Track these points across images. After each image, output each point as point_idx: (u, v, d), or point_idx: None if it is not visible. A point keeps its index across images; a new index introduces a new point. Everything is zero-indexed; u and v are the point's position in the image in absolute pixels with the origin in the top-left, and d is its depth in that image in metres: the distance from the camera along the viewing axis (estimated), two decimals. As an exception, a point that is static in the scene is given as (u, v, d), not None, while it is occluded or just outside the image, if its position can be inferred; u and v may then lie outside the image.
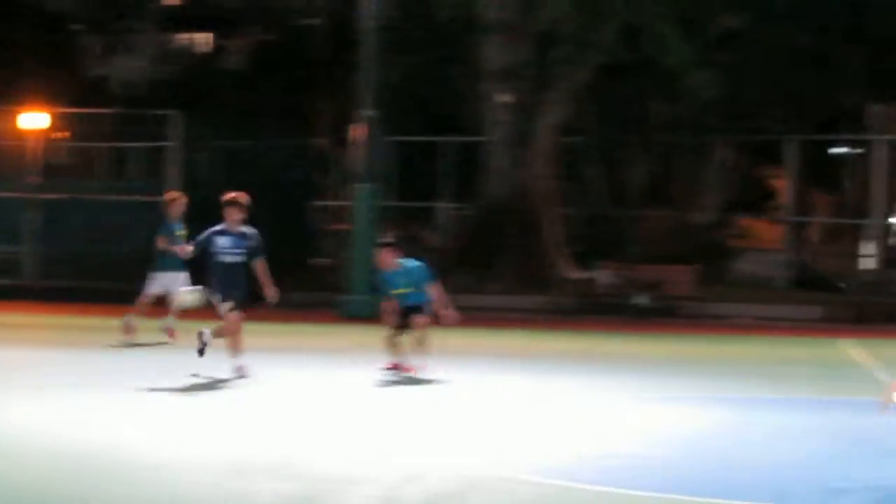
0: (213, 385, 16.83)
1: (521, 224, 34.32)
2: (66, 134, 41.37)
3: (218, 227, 16.63)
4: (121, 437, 12.83)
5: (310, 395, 16.12)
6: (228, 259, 16.43)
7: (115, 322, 25.05)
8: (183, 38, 58.89)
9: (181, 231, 20.27)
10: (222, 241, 16.53)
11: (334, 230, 38.44)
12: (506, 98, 34.62)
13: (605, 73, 35.74)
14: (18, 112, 34.78)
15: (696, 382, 18.70)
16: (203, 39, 58.46)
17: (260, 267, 16.89)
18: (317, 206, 41.52)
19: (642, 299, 30.73)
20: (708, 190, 42.17)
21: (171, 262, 20.44)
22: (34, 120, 34.23)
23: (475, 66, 36.31)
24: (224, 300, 16.45)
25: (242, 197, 17.12)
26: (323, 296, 30.73)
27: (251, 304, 17.63)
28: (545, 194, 34.85)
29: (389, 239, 17.79)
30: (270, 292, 16.66)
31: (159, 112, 34.68)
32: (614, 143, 40.76)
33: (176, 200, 21.22)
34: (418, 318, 16.62)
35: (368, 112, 29.58)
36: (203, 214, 31.62)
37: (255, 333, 24.15)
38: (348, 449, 12.20)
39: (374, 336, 22.85)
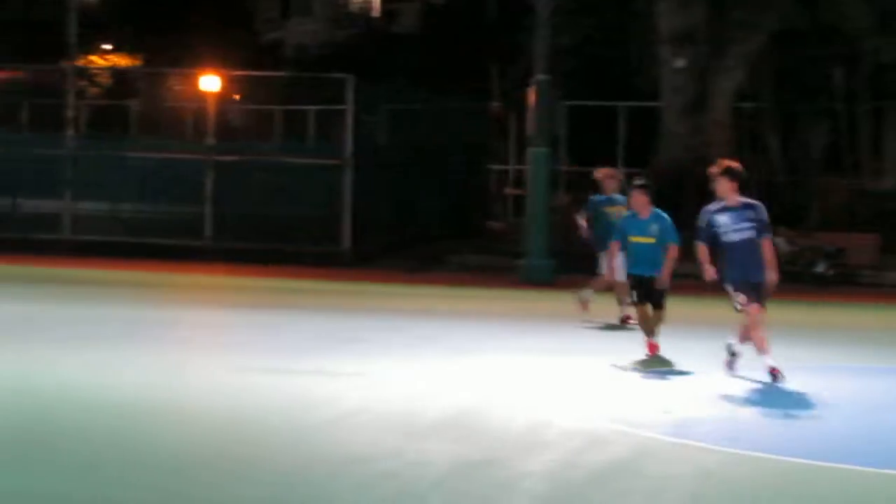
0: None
1: (696, 190, 34.04)
2: (244, 96, 42.16)
3: (715, 205, 14.81)
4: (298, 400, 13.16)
5: (491, 359, 16.06)
6: (735, 238, 14.52)
7: (291, 284, 26.61)
8: (356, 2, 59.43)
9: (613, 206, 19.08)
10: (723, 219, 14.56)
11: (510, 194, 38.62)
12: (681, 63, 34.39)
13: (781, 38, 35.34)
14: (197, 75, 35.23)
15: (875, 352, 18.38)
16: (376, 3, 58.93)
17: (766, 246, 14.95)
18: (492, 169, 41.74)
19: (821, 267, 30.15)
20: (889, 156, 41.32)
21: (603, 240, 18.97)
22: (211, 83, 34.32)
23: (650, 30, 36.19)
24: (737, 289, 14.46)
25: (736, 166, 15.39)
26: (500, 260, 30.72)
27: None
28: (720, 160, 34.51)
29: (643, 181, 16.68)
30: (772, 277, 14.54)
31: (333, 75, 34.53)
32: (791, 110, 40.21)
33: (611, 177, 19.93)
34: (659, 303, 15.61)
35: (542, 76, 29.06)
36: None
37: (438, 297, 25.02)
38: (532, 413, 12.31)
39: (552, 300, 23.05)
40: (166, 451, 10.92)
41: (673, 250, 15.78)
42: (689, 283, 18.05)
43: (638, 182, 16.56)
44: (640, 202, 15.85)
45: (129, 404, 12.97)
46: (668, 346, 16.27)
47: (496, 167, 42.30)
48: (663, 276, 15.54)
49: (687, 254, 15.66)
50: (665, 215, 16.03)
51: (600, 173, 20.10)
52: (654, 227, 15.68)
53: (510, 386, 14.16)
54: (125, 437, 11.47)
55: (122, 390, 13.79)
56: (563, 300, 22.29)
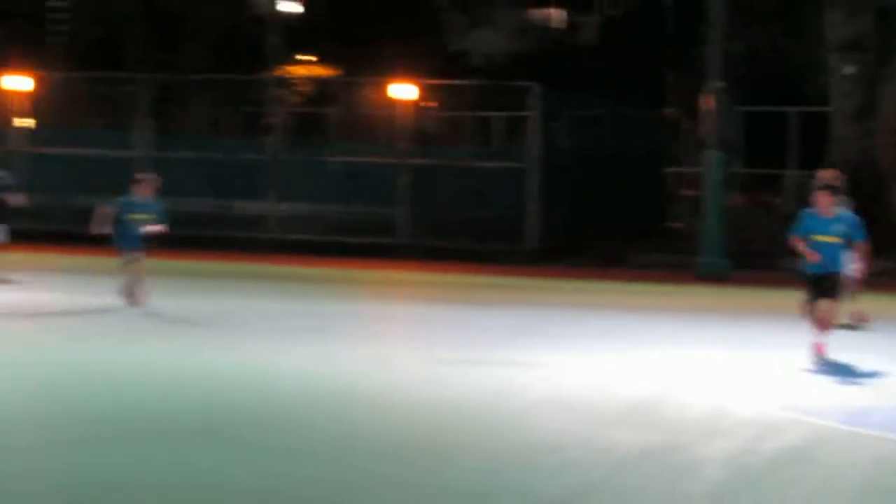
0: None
1: (867, 192, 33.95)
2: (434, 104, 42.38)
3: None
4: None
5: (669, 351, 16.24)
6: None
7: (480, 280, 27.02)
8: (539, 14, 59.73)
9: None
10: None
11: (686, 195, 38.73)
12: (849, 70, 34.59)
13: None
14: (390, 83, 35.59)
15: None
16: (557, 15, 59.27)
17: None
18: (670, 172, 41.91)
19: None
20: None
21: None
22: (404, 91, 34.96)
23: (819, 38, 36.29)
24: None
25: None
26: (678, 258, 30.73)
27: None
28: (891, 163, 34.37)
29: (828, 182, 16.59)
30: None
31: (519, 84, 34.86)
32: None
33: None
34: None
35: (716, 83, 29.38)
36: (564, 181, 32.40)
37: (618, 293, 25.22)
38: (710, 402, 12.51)
39: (728, 296, 23.19)
40: (382, 437, 11.38)
41: (862, 247, 15.94)
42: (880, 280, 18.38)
43: (823, 183, 16.55)
44: (825, 202, 15.58)
45: (345, 394, 13.51)
46: (852, 338, 16.61)
47: (673, 170, 42.41)
48: (856, 272, 15.82)
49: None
50: (851, 214, 15.99)
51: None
52: (839, 227, 15.44)
53: (688, 376, 14.35)
54: (344, 424, 11.99)
55: (337, 380, 14.36)
56: (738, 295, 22.57)
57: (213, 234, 31.66)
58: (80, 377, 14.75)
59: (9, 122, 36.19)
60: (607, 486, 9.21)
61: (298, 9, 55.27)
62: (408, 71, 36.15)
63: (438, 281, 28.08)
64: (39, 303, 21.65)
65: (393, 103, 35.25)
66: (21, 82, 35.97)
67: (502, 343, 17.35)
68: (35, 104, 36.91)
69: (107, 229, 20.23)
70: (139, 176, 21.08)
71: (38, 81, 36.70)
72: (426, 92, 38.29)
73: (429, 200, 32.76)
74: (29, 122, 36.74)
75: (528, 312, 21.56)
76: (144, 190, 20.37)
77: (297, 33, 54.82)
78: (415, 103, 35.74)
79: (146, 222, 19.89)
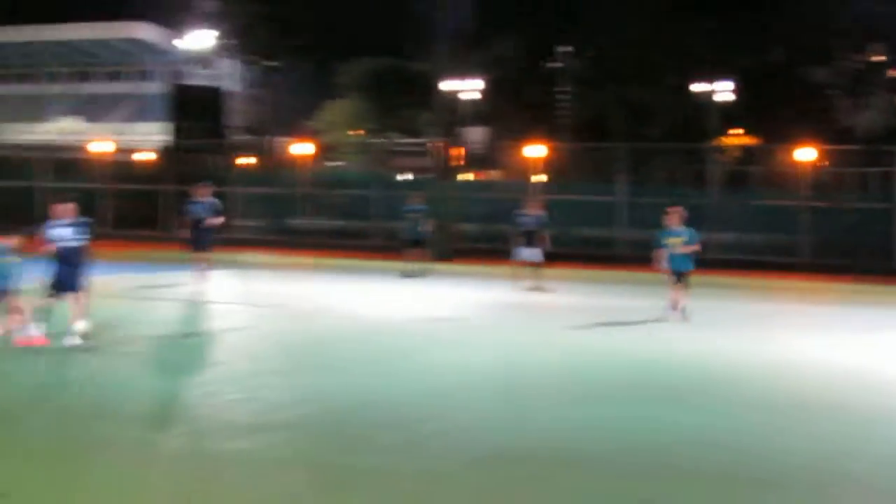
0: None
1: None
2: (826, 163, 43.79)
3: None
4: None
5: None
6: None
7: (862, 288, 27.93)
8: None
9: None
10: None
11: None
12: None
13: None
14: (795, 148, 37.51)
15: None
16: None
17: None
18: None
19: None
20: None
21: None
22: (805, 153, 36.39)
23: None
24: None
25: None
26: None
27: None
28: None
29: None
30: None
31: (889, 148, 37.64)
32: None
33: None
34: None
35: None
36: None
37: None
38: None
39: None
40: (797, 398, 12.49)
41: None
42: None
43: None
44: None
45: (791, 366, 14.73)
46: None
47: None
48: None
49: None
50: None
51: None
52: None
53: None
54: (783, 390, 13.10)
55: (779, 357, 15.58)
56: None
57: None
58: (601, 357, 15.73)
59: (528, 177, 39.35)
60: None
61: (731, 97, 59.81)
62: (808, 139, 38.21)
63: (834, 288, 28.61)
64: (568, 303, 23.11)
65: (796, 163, 37.00)
66: (537, 150, 39.87)
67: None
68: (547, 165, 40.73)
69: (664, 264, 19.87)
70: (669, 209, 20.42)
71: (550, 149, 40.55)
72: (821, 154, 40.20)
73: (821, 230, 34.10)
74: (542, 177, 40.18)
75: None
76: (674, 220, 20.05)
77: (728, 114, 59.75)
78: (812, 163, 37.28)
79: (678, 245, 19.63)
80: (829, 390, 13.27)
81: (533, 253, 24.92)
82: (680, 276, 19.71)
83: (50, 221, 15.98)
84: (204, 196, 25.32)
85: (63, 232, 15.82)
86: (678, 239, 19.51)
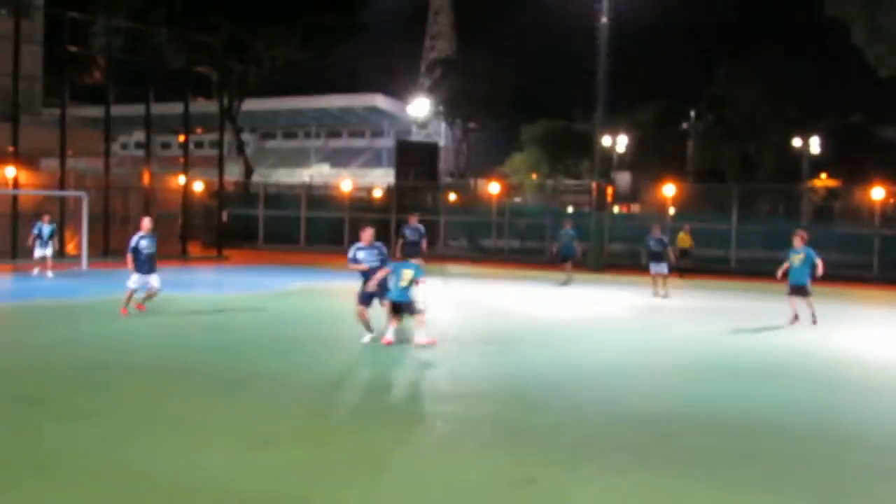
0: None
1: None
2: (892, 200, 40.31)
3: None
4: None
5: None
6: None
7: None
8: None
9: None
10: None
11: None
12: None
13: None
14: (868, 188, 36.00)
15: None
16: None
17: None
18: None
19: None
20: None
21: None
22: (876, 192, 35.00)
23: None
24: None
25: None
26: None
27: None
28: None
29: None
30: None
31: None
32: None
33: None
34: None
35: None
36: None
37: None
38: None
39: None
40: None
41: None
42: None
43: None
44: None
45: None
46: None
47: None
48: None
49: None
50: None
51: None
52: None
53: None
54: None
55: None
56: None
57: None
58: (724, 346, 14.90)
59: (663, 210, 38.61)
60: None
61: (819, 149, 58.66)
62: (879, 181, 36.75)
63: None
64: (692, 305, 22.29)
65: (869, 200, 35.97)
66: (669, 189, 38.61)
67: None
68: (675, 201, 39.17)
69: (781, 276, 18.27)
70: (798, 231, 18.52)
71: (678, 189, 39.34)
72: (888, 193, 37.30)
73: (889, 251, 32.30)
74: (672, 210, 38.95)
75: None
76: (798, 241, 18.06)
77: (817, 162, 58.79)
78: (882, 200, 35.31)
79: (797, 261, 17.89)
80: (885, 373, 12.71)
81: (660, 267, 23.92)
82: (798, 288, 18.17)
83: (356, 244, 14.52)
84: (413, 222, 24.70)
85: (365, 255, 14.29)
86: (798, 256, 18.02)
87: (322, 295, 22.07)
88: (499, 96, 65.17)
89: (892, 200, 41.34)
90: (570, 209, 51.17)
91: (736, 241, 35.14)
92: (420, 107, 73.73)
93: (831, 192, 52.39)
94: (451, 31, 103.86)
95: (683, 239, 31.88)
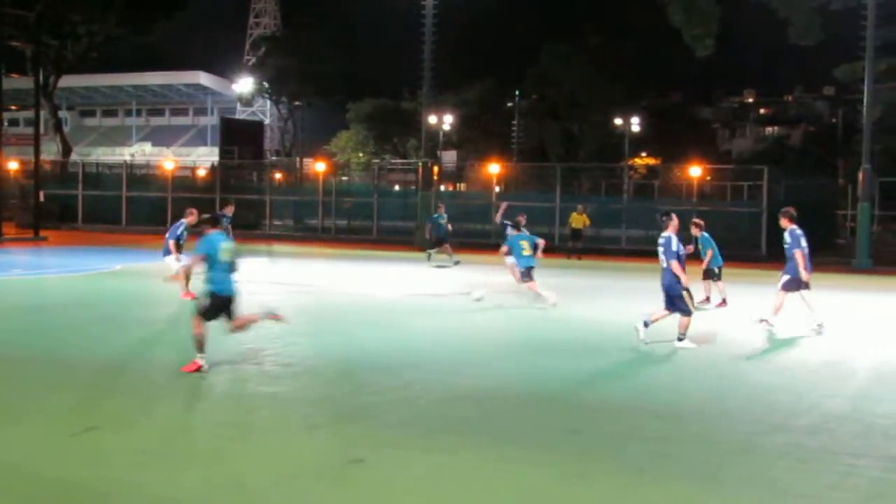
0: None
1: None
2: (708, 178, 43.24)
3: None
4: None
5: None
6: None
7: None
8: (769, 130, 62.64)
9: None
10: None
11: (851, 226, 36.02)
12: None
13: None
14: (687, 167, 38.26)
15: None
16: (780, 130, 62.05)
17: None
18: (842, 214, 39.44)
19: None
20: None
21: None
22: (692, 171, 37.20)
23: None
24: None
25: None
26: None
27: None
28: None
29: None
30: None
31: (756, 167, 35.52)
32: None
33: None
34: None
35: (866, 166, 28.57)
36: None
37: None
38: None
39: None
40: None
41: None
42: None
43: None
44: None
45: None
46: None
47: (842, 212, 39.16)
48: None
49: None
50: None
51: None
52: None
53: None
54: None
55: None
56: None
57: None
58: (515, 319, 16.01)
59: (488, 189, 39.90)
60: None
61: (637, 129, 60.15)
62: (696, 160, 40.10)
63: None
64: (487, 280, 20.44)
65: (687, 177, 38.58)
66: (494, 168, 40.26)
67: None
68: (501, 179, 43.38)
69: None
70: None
71: (504, 168, 42.33)
72: (705, 171, 41.56)
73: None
74: (497, 189, 40.53)
75: None
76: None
77: (637, 141, 60.92)
78: (699, 178, 38.94)
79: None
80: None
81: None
82: (707, 272, 17.67)
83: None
84: (229, 209, 23.85)
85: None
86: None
87: (145, 276, 21.55)
88: (325, 74, 64.70)
89: (707, 178, 43.88)
90: (396, 188, 51.38)
91: (559, 218, 35.04)
92: (245, 84, 72.61)
93: (651, 170, 53.84)
94: (275, 7, 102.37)
95: (577, 219, 31.32)
